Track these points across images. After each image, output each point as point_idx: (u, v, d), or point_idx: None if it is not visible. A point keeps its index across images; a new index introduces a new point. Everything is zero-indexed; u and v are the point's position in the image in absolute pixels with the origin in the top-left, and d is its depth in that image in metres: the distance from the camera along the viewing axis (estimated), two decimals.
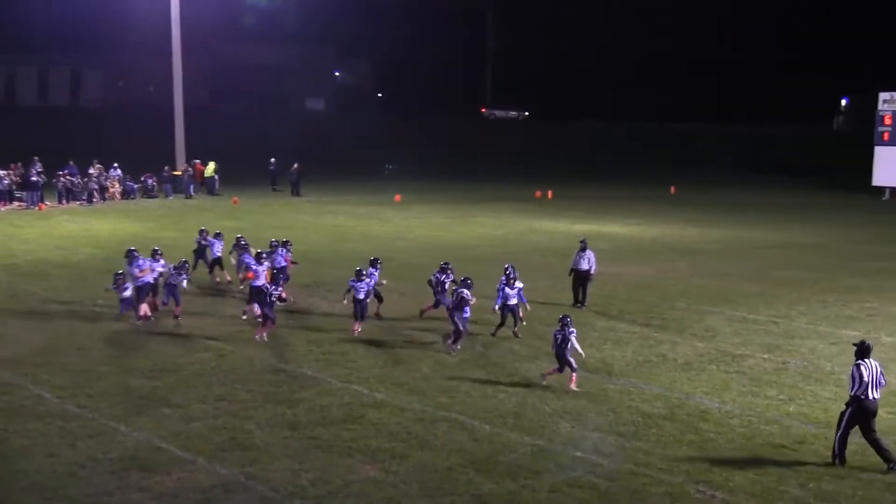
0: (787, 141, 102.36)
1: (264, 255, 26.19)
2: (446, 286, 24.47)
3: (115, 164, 57.70)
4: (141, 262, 25.05)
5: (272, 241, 28.39)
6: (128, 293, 24.21)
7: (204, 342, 22.82)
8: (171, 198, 57.70)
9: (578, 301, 27.83)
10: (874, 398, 15.38)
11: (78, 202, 52.90)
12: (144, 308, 24.68)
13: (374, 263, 25.62)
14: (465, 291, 22.52)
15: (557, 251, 36.92)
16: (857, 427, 15.57)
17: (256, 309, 24.66)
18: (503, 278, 23.73)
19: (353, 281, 23.78)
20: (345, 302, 23.97)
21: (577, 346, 19.78)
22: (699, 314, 27.31)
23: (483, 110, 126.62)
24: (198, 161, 62.09)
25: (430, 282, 25.11)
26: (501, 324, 23.81)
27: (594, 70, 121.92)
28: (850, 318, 27.26)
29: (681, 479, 14.87)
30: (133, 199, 56.38)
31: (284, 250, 28.11)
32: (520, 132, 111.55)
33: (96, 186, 54.23)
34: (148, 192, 57.70)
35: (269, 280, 25.33)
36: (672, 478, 14.92)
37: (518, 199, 61.04)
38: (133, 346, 22.52)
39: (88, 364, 20.68)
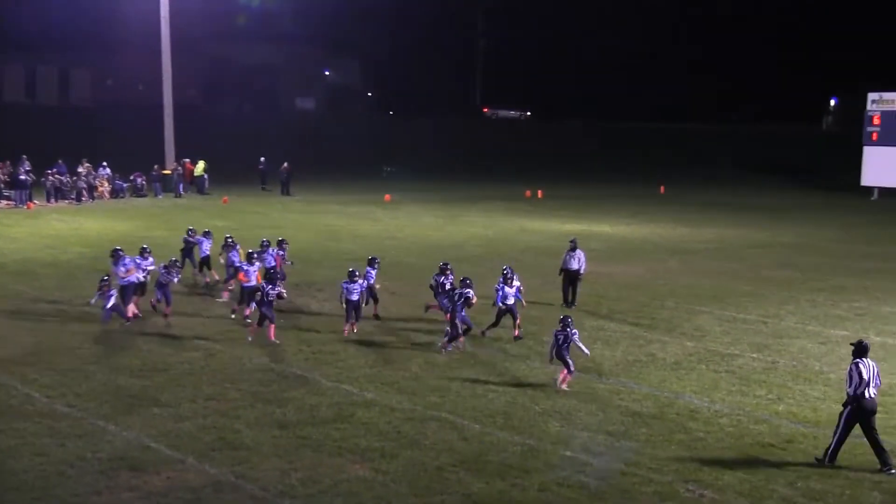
0: (776, 141, 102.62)
1: (255, 256, 26.07)
2: (446, 287, 24.26)
3: (104, 163, 57.57)
4: (127, 261, 24.94)
5: (262, 241, 28.33)
6: (112, 301, 24.02)
7: (193, 341, 22.79)
8: (160, 197, 57.60)
9: (568, 301, 27.84)
10: (871, 396, 15.38)
11: (67, 201, 52.78)
12: (132, 308, 24.62)
13: (371, 263, 25.56)
14: (470, 291, 22.52)
15: (548, 251, 36.93)
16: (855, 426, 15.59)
17: (248, 310, 24.66)
18: (501, 279, 23.67)
19: (345, 283, 23.67)
20: (342, 304, 23.85)
21: (581, 346, 19.78)
22: (689, 313, 27.35)
23: (486, 110, 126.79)
24: (187, 160, 62.01)
25: (431, 286, 24.94)
26: (495, 324, 23.74)
27: (585, 69, 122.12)
28: (839, 317, 27.33)
29: (670, 478, 14.88)
30: (122, 198, 56.27)
31: (274, 250, 28.06)
32: (511, 132, 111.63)
33: (85, 185, 54.10)
34: (137, 191, 57.62)
35: (259, 280, 25.33)
36: (661, 477, 14.94)
37: (508, 199, 61.05)
38: (122, 345, 22.48)
39: (77, 363, 20.63)
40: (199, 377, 19.77)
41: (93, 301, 24.19)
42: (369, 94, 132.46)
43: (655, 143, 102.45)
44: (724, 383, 20.34)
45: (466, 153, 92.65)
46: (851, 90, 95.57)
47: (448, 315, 22.94)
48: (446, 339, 22.46)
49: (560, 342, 19.45)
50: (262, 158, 64.86)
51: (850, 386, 15.45)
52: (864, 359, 15.58)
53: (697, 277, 33.70)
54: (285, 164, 61.54)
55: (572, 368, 19.47)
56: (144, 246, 26.53)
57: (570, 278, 28.01)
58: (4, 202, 50.75)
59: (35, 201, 51.22)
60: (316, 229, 44.20)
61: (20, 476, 14.43)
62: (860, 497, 14.43)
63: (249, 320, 24.51)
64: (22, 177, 50.80)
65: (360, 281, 23.86)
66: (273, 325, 22.83)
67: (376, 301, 25.53)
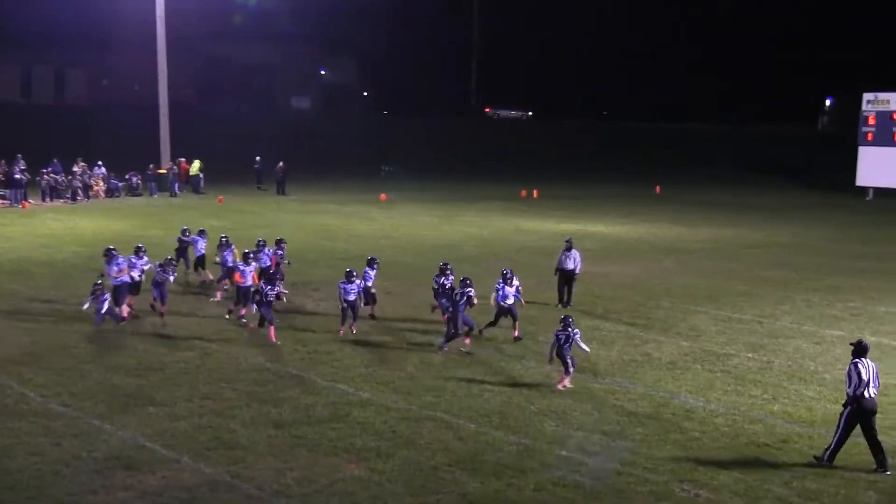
0: (776, 141, 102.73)
1: (251, 256, 26.00)
2: (446, 287, 24.17)
3: (100, 162, 57.52)
4: (119, 260, 24.91)
5: (258, 240, 28.31)
6: (105, 306, 23.97)
7: (189, 341, 22.77)
8: (155, 196, 57.52)
9: (564, 301, 27.84)
10: (871, 396, 15.37)
11: (62, 200, 52.72)
12: (126, 308, 24.60)
13: (370, 264, 25.52)
14: (472, 291, 22.52)
15: (543, 250, 36.94)
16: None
17: (243, 311, 24.65)
18: (500, 279, 23.60)
19: (342, 283, 23.63)
20: (343, 304, 23.78)
21: (582, 344, 19.79)
22: (684, 313, 27.37)
23: (487, 110, 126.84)
24: (183, 159, 61.95)
25: (434, 288, 24.85)
26: (493, 323, 23.67)
27: (585, 69, 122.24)
28: (834, 317, 27.35)
29: (665, 478, 14.89)
30: (117, 197, 56.22)
31: (270, 249, 28.05)
32: (509, 132, 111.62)
33: (80, 185, 54.04)
34: (132, 191, 57.56)
35: (256, 280, 25.33)
36: (657, 476, 14.95)
37: (504, 199, 61.04)
38: (117, 344, 22.46)
39: (72, 363, 20.61)
40: (195, 377, 19.76)
41: (85, 306, 24.08)
42: (365, 93, 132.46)
43: (655, 143, 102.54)
44: (719, 383, 20.35)
45: (465, 153, 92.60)
46: (847, 90, 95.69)
47: (446, 315, 22.95)
48: (445, 339, 22.45)
49: (562, 342, 19.44)
50: (258, 158, 64.81)
51: (849, 386, 15.44)
52: (863, 359, 15.57)
53: (693, 277, 33.71)
54: (281, 164, 61.47)
55: (570, 369, 19.46)
56: (139, 245, 26.52)
57: (566, 278, 28.02)
58: (0, 201, 50.70)
59: (30, 200, 51.15)
60: (312, 229, 44.16)
61: (15, 475, 14.41)
62: (855, 497, 14.44)
63: (245, 320, 24.50)
64: (17, 176, 50.74)
65: (358, 281, 23.82)
66: (273, 327, 22.79)
67: (374, 302, 25.49)
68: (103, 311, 23.79)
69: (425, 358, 21.73)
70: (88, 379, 19.41)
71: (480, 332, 23.59)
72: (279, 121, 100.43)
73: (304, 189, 62.50)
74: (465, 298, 22.30)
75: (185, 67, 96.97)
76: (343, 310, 23.60)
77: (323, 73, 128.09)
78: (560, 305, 27.40)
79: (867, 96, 70.15)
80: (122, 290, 24.65)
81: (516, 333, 23.44)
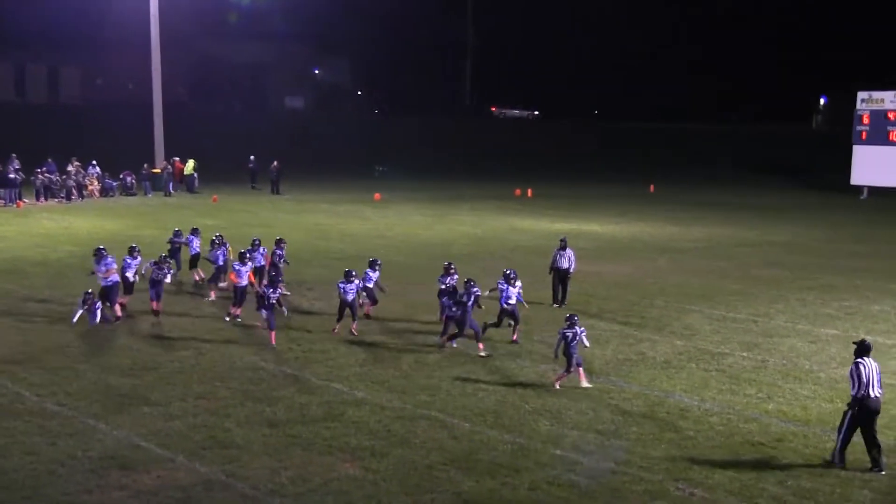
0: (776, 141, 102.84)
1: (248, 256, 25.92)
2: (449, 284, 24.10)
3: (94, 162, 57.52)
4: (108, 260, 24.85)
5: (254, 240, 28.29)
6: (98, 317, 23.86)
7: (183, 340, 22.75)
8: (150, 195, 57.53)
9: (558, 299, 27.83)
10: (876, 396, 15.32)
11: (56, 200, 52.68)
12: (118, 308, 24.56)
13: (372, 265, 25.45)
14: (479, 291, 22.51)
15: (537, 249, 36.96)
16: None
17: (237, 310, 24.63)
18: (503, 279, 23.46)
19: (341, 283, 23.57)
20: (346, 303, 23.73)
21: (586, 341, 19.79)
22: (679, 312, 27.38)
23: (493, 110, 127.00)
24: (177, 159, 61.98)
25: (441, 289, 24.72)
26: (497, 324, 23.42)
27: (585, 69, 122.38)
28: (828, 316, 27.38)
29: (660, 477, 14.90)
30: (112, 196, 56.21)
31: (264, 249, 28.03)
32: (507, 131, 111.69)
33: (74, 184, 54.03)
34: (127, 190, 57.58)
35: (252, 279, 25.30)
36: (651, 476, 14.96)
37: (498, 198, 61.08)
38: (112, 344, 22.44)
39: (67, 362, 20.59)
40: (190, 376, 19.74)
41: (75, 318, 23.81)
42: (359, 92, 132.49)
43: (655, 143, 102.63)
44: (714, 382, 20.37)
45: (460, 153, 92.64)
46: (841, 89, 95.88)
47: (445, 314, 22.90)
48: (453, 337, 22.43)
49: (569, 339, 19.41)
50: (252, 157, 64.90)
51: (852, 387, 15.40)
52: (864, 358, 15.51)
53: (687, 276, 33.74)
54: (275, 163, 61.52)
55: (572, 369, 19.44)
56: (133, 245, 26.46)
57: (560, 277, 28.01)
58: None
59: (24, 200, 51.10)
60: (305, 228, 44.16)
61: (10, 475, 14.40)
62: (851, 495, 14.46)
63: (239, 319, 24.50)
64: (11, 175, 50.70)
65: (357, 281, 23.75)
66: (273, 332, 22.70)
67: (374, 303, 25.41)
68: (97, 320, 23.73)
69: (420, 357, 21.72)
70: (83, 378, 19.39)
71: (485, 328, 23.33)
72: (273, 120, 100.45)
73: (298, 188, 62.55)
74: (472, 299, 22.26)
75: (179, 67, 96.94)
76: (340, 309, 23.55)
77: (317, 72, 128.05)
78: (555, 305, 27.41)
79: (861, 95, 70.29)
80: (114, 290, 24.60)
81: (514, 337, 23.36)
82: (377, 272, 25.38)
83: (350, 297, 23.37)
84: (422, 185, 68.88)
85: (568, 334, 19.42)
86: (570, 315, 19.95)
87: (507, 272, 23.58)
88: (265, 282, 23.90)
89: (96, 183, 56.00)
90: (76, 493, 13.86)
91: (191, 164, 61.72)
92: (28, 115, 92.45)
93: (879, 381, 15.46)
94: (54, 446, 15.54)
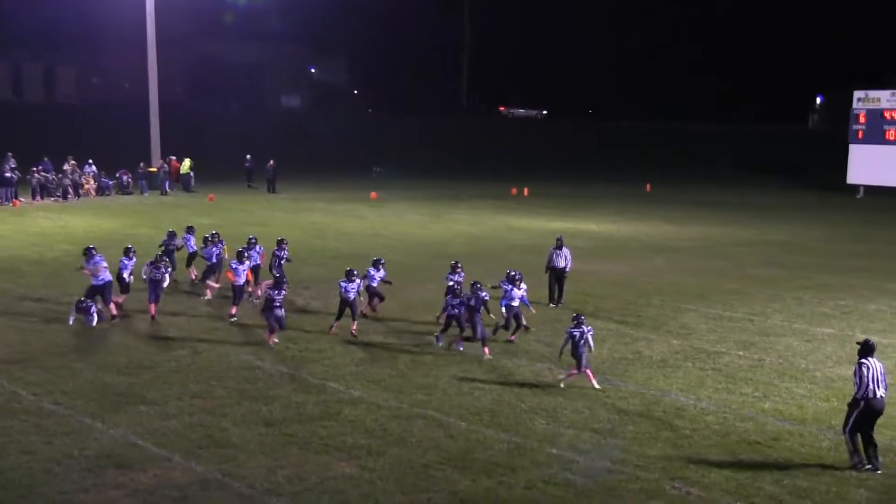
0: (772, 141, 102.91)
1: (246, 254, 25.87)
2: (454, 282, 24.06)
3: (90, 161, 57.49)
4: (97, 259, 24.78)
5: (250, 238, 28.26)
6: (94, 320, 23.84)
7: (180, 339, 22.73)
8: (146, 194, 57.50)
9: (555, 299, 27.82)
10: (881, 396, 15.30)
11: (52, 199, 52.64)
12: (113, 307, 24.54)
13: (376, 264, 25.37)
14: (486, 294, 22.46)
15: (533, 248, 36.95)
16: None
17: (234, 308, 24.63)
18: (506, 280, 23.41)
19: (342, 282, 23.50)
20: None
21: (591, 341, 19.80)
22: (675, 311, 27.39)
23: (501, 109, 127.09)
24: (173, 157, 61.96)
25: (449, 287, 24.64)
26: (505, 326, 23.30)
27: (585, 69, 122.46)
28: (824, 315, 27.40)
29: (656, 476, 14.91)
30: (108, 195, 56.18)
31: (261, 247, 28.02)
32: (502, 131, 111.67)
33: (70, 183, 53.99)
34: (123, 189, 57.57)
35: (250, 277, 25.25)
36: (648, 474, 14.96)
37: (495, 197, 61.10)
38: (108, 343, 22.42)
39: (63, 361, 20.57)
40: (186, 375, 19.73)
41: (71, 321, 23.90)
42: (355, 91, 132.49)
43: (655, 143, 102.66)
44: (710, 381, 20.38)
45: (457, 153, 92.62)
46: (837, 88, 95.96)
47: (445, 313, 22.86)
48: (459, 337, 22.43)
49: (577, 339, 19.39)
50: (248, 156, 64.87)
51: (856, 387, 15.37)
52: (867, 358, 15.45)
53: (683, 275, 33.75)
54: (271, 162, 61.53)
55: (582, 369, 19.41)
56: (129, 246, 26.37)
57: (557, 276, 27.98)
58: None
59: (20, 199, 51.07)
60: (302, 227, 44.15)
61: (6, 474, 14.38)
62: (846, 494, 14.47)
63: (235, 318, 24.49)
64: (7, 174, 50.65)
65: (358, 281, 23.69)
66: (274, 334, 22.66)
67: (380, 300, 25.38)
68: (94, 323, 23.71)
69: (416, 356, 21.72)
70: (80, 377, 19.38)
71: (493, 333, 23.29)
72: (269, 119, 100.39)
73: (294, 187, 62.54)
74: (480, 303, 22.22)
75: (176, 66, 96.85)
76: (339, 307, 23.50)
77: (313, 71, 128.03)
78: (551, 304, 27.40)
79: (857, 94, 70.39)
80: (107, 290, 24.54)
81: (511, 337, 23.34)
82: (381, 271, 25.30)
83: (351, 296, 23.30)
84: (418, 183, 68.88)
85: (575, 334, 19.40)
86: (577, 314, 19.93)
87: (512, 273, 23.46)
88: (269, 283, 23.80)
89: (92, 182, 55.97)
90: (72, 491, 13.85)
91: (187, 162, 61.72)
92: (24, 114, 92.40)
93: (885, 381, 15.41)
94: (51, 445, 15.53)
